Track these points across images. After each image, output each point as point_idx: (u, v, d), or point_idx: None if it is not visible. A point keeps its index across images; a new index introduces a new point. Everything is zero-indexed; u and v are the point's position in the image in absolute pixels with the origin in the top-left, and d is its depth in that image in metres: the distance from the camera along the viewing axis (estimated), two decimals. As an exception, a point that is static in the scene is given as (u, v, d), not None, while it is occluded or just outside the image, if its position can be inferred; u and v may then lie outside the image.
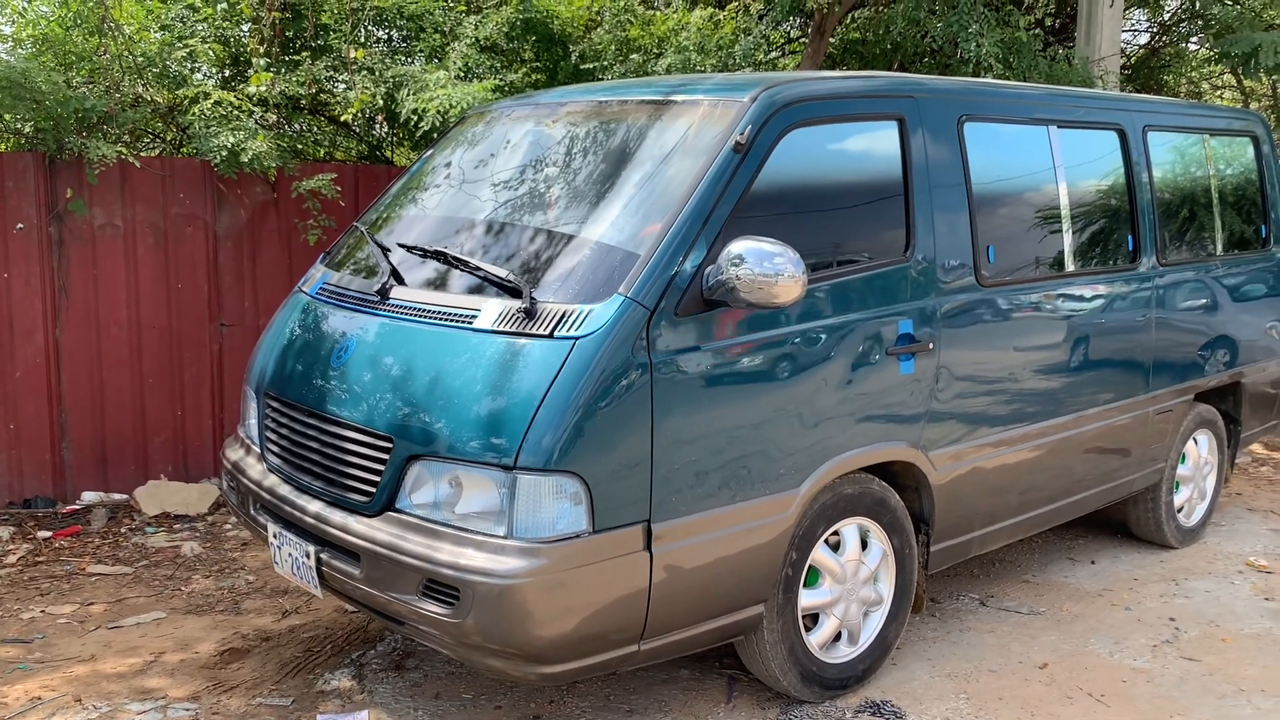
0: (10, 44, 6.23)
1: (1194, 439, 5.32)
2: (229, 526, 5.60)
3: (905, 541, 3.82)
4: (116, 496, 5.87)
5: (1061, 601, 4.67)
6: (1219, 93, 12.29)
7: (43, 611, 4.49)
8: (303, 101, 6.59)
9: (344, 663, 3.98)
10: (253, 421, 3.87)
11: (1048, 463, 4.34)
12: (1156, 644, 4.27)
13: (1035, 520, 4.44)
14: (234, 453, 3.94)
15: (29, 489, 5.74)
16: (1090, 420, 4.49)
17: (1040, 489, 4.38)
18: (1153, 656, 4.16)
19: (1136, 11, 10.31)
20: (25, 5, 6.10)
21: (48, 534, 5.37)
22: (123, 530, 5.51)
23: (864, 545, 3.73)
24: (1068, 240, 4.41)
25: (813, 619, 3.65)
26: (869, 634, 3.80)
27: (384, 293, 3.50)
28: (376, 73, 6.35)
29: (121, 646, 4.15)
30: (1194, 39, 9.80)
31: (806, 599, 3.57)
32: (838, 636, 3.74)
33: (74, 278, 5.68)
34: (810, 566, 3.56)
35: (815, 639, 3.63)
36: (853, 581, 3.68)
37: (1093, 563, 5.15)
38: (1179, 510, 5.34)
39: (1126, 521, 5.35)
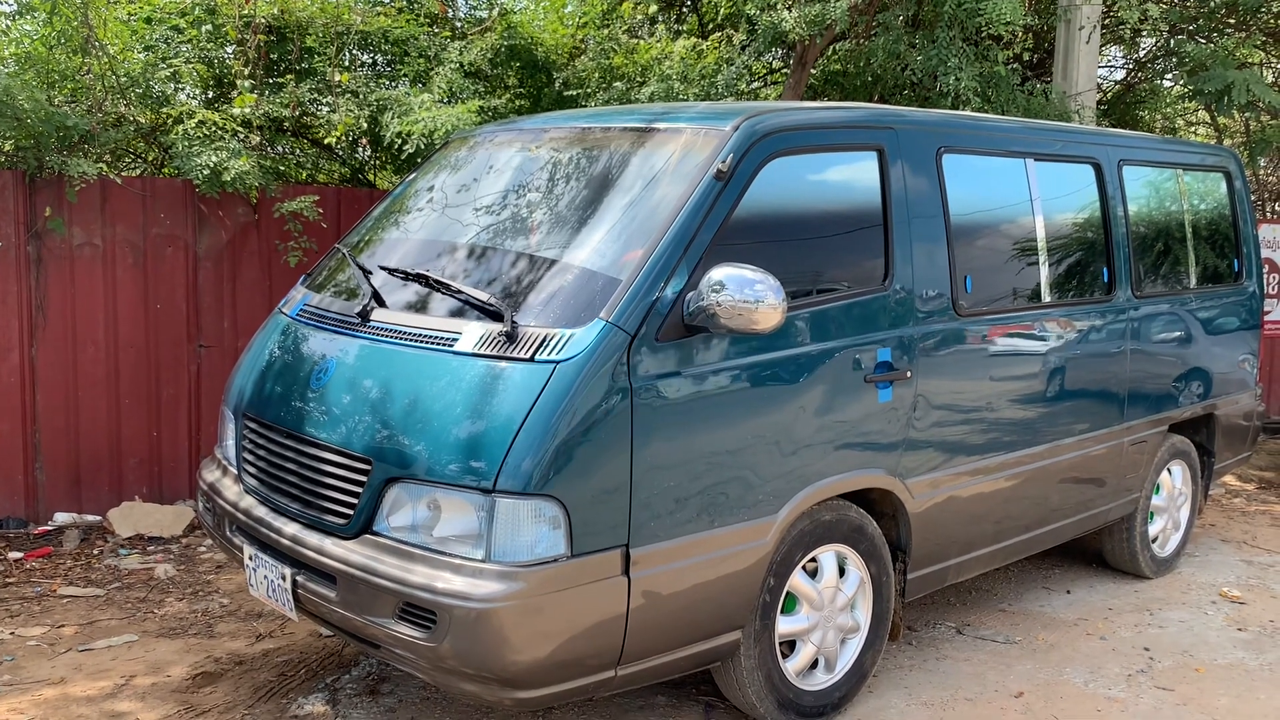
0: (-8, 62, 6.22)
1: (1168, 470, 5.38)
2: (203, 549, 5.55)
3: (882, 569, 3.83)
4: (90, 518, 5.81)
5: (1037, 630, 4.69)
6: (1193, 128, 12.48)
7: (12, 633, 4.44)
8: (286, 123, 6.60)
9: (318, 687, 3.95)
10: (230, 443, 3.85)
11: (1024, 492, 4.37)
12: (1131, 674, 4.29)
13: (1011, 549, 4.47)
14: (210, 474, 3.92)
15: (0, 509, 5.68)
16: (1066, 450, 4.53)
17: (1016, 518, 4.40)
18: (1127, 686, 4.18)
19: (1113, 48, 10.48)
20: (9, 24, 6.09)
21: (19, 555, 5.31)
22: (95, 552, 5.45)
23: (841, 572, 3.74)
24: (1044, 272, 4.46)
25: (790, 646, 3.65)
26: (846, 661, 3.80)
27: (365, 315, 3.51)
28: (360, 96, 6.37)
29: (92, 669, 4.10)
30: (1169, 76, 9.96)
31: (784, 626, 3.57)
32: (815, 664, 3.74)
33: (52, 297, 5.65)
34: (788, 593, 3.57)
35: (792, 666, 3.63)
36: (830, 608, 3.69)
37: (1068, 592, 5.18)
38: (1154, 540, 5.38)
39: (1102, 551, 5.39)
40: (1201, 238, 5.54)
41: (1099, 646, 4.54)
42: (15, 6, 5.83)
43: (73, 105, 5.88)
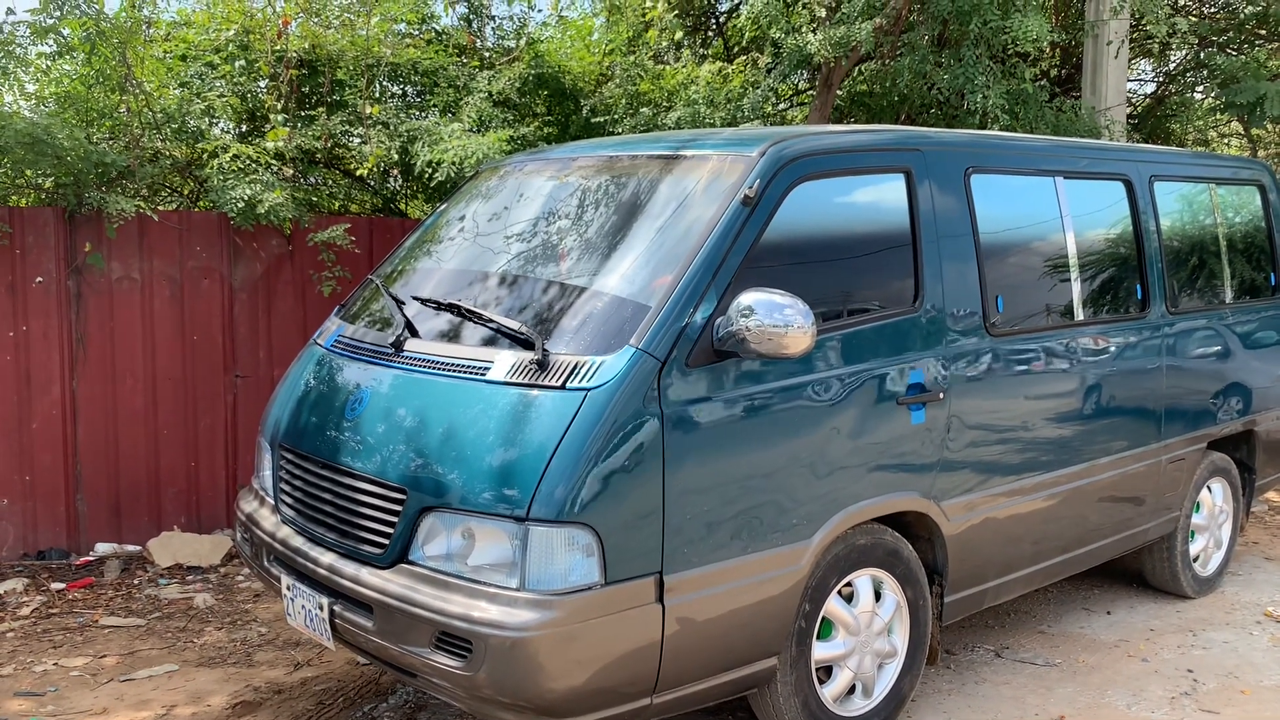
0: (34, 101, 6.36)
1: (1208, 487, 5.30)
2: (241, 578, 5.60)
3: (919, 593, 3.80)
4: (130, 548, 5.88)
5: (1078, 652, 4.63)
6: (1226, 140, 12.36)
7: (55, 664, 4.49)
8: (318, 155, 6.70)
9: (356, 716, 3.96)
10: (267, 473, 3.89)
11: (1061, 512, 4.33)
12: (1174, 696, 4.22)
13: (1050, 570, 4.42)
14: (248, 504, 3.96)
15: (43, 541, 5.76)
16: (1103, 469, 4.48)
17: (1054, 538, 4.36)
18: (1170, 709, 4.11)
19: (1142, 62, 10.42)
20: (49, 64, 6.24)
21: (61, 586, 5.39)
22: (136, 582, 5.52)
23: (877, 597, 3.71)
24: (1076, 289, 4.43)
25: (826, 671, 3.63)
26: (883, 687, 3.77)
27: (398, 345, 3.54)
28: (391, 127, 6.45)
29: (133, 699, 4.15)
30: (1199, 89, 9.88)
31: (820, 651, 3.55)
32: (852, 689, 3.71)
33: (91, 330, 5.75)
34: (823, 618, 3.55)
35: (829, 692, 3.60)
36: (866, 633, 3.66)
37: (1109, 613, 5.11)
38: (1195, 559, 5.30)
39: (1142, 571, 5.31)
40: (1237, 252, 5.49)
41: (1141, 668, 4.48)
42: (56, 47, 5.97)
43: (111, 142, 6.01)
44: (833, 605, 3.55)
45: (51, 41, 5.92)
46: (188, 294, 5.94)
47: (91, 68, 6.06)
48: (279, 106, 6.41)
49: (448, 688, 3.05)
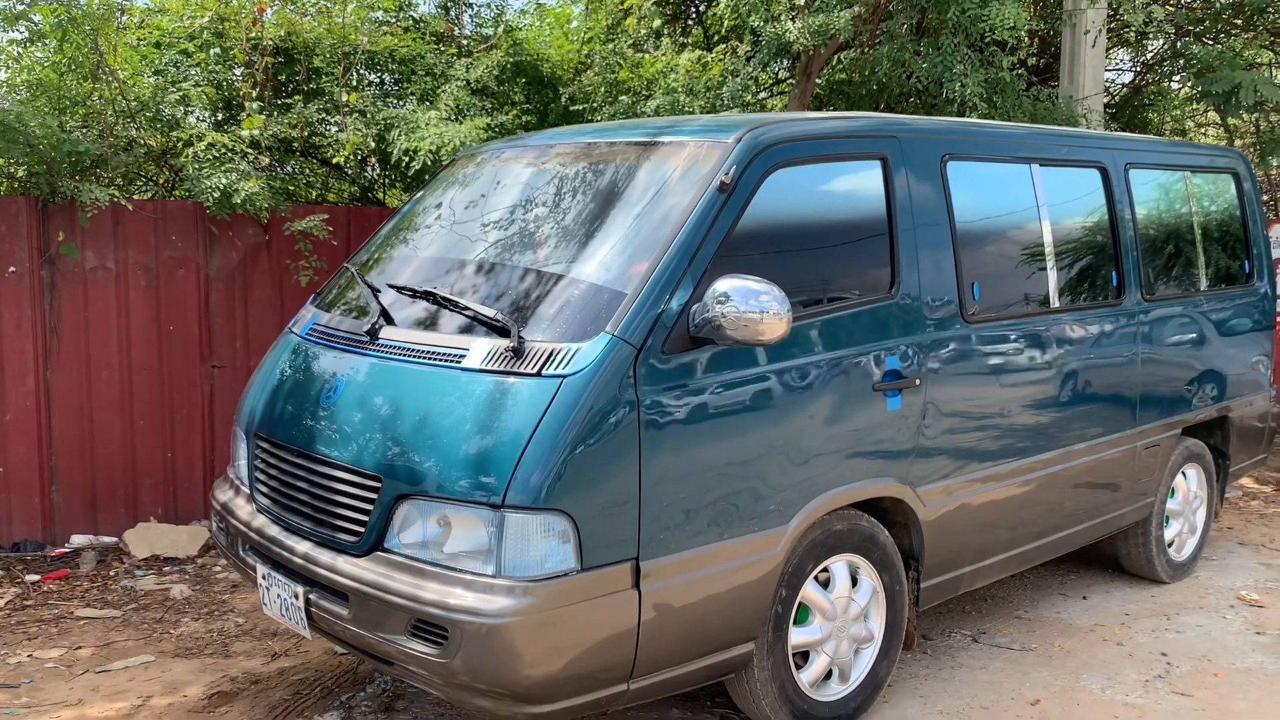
0: (5, 89, 6.29)
1: (1183, 473, 5.34)
2: (218, 569, 5.57)
3: (895, 578, 3.82)
4: (106, 539, 5.84)
5: (1053, 637, 4.66)
6: (1203, 129, 12.43)
7: (30, 656, 4.46)
8: (295, 144, 6.65)
9: (333, 705, 3.95)
10: (242, 462, 3.87)
11: (1037, 498, 4.36)
12: (1148, 679, 4.26)
13: (1026, 555, 4.45)
14: (223, 494, 3.94)
15: (18, 532, 5.72)
16: (1078, 455, 4.51)
17: (1030, 524, 4.38)
18: (1145, 692, 4.15)
19: (1119, 51, 10.46)
20: (20, 51, 6.16)
21: (36, 578, 5.35)
22: (112, 573, 5.48)
23: (854, 582, 3.73)
24: (1052, 277, 4.45)
25: (803, 657, 3.64)
26: (860, 671, 3.79)
27: (373, 333, 3.53)
28: (368, 115, 6.41)
29: (109, 690, 4.12)
30: (1176, 78, 9.93)
31: (797, 637, 3.56)
32: (829, 674, 3.73)
33: (65, 320, 5.70)
34: (800, 604, 3.56)
35: (806, 677, 3.62)
36: (843, 619, 3.68)
37: (1084, 598, 5.15)
38: (1170, 545, 5.34)
39: (1118, 556, 5.35)
40: (1211, 239, 5.52)
41: (1116, 652, 4.51)
42: (26, 34, 5.90)
43: (84, 130, 5.94)
44: (809, 591, 3.57)
45: (22, 28, 5.85)
46: (163, 284, 5.89)
47: (64, 55, 5.99)
48: (254, 94, 6.35)
49: (424, 675, 3.05)
